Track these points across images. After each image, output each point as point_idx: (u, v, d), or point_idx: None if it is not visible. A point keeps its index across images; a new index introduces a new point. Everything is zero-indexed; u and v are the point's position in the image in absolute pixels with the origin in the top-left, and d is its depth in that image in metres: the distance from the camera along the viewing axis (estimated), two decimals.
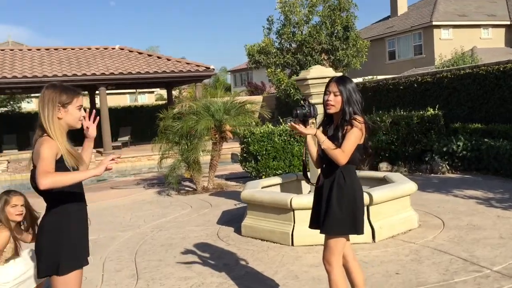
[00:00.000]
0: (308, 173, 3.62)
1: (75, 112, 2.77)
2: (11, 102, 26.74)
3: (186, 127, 9.19)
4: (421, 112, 11.60)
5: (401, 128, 11.18)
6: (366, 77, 22.49)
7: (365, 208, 5.56)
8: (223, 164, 13.48)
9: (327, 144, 3.10)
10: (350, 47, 18.64)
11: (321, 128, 3.25)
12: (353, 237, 5.46)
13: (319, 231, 3.30)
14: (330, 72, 6.33)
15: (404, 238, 5.70)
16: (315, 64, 18.40)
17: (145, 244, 6.24)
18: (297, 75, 6.81)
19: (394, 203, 5.97)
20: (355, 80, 20.59)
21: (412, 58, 31.81)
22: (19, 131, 23.37)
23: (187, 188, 10.36)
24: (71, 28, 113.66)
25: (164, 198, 9.62)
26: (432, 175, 10.28)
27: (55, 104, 2.69)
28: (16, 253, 3.79)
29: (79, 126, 2.85)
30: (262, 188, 6.61)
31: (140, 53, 21.35)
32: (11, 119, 24.82)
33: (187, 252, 5.72)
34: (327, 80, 6.18)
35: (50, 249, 2.63)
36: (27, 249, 3.94)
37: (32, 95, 29.13)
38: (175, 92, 26.89)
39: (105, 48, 21.57)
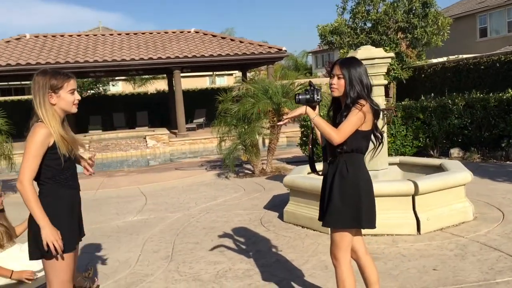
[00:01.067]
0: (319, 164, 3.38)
1: (67, 97, 2.78)
2: (98, 85, 28.26)
3: (243, 110, 9.16)
4: (500, 94, 10.70)
5: (476, 111, 10.39)
6: (451, 57, 21.19)
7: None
8: (289, 148, 13.36)
9: (318, 120, 2.89)
10: (430, 24, 17.56)
11: (317, 109, 3.00)
12: (397, 229, 5.27)
13: None
14: (379, 53, 5.97)
15: (453, 231, 5.29)
16: (390, 44, 17.64)
17: (189, 226, 6.32)
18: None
19: (445, 193, 5.54)
20: (436, 60, 19.47)
21: (506, 35, 29.41)
22: (104, 113, 24.71)
23: (246, 171, 10.38)
24: (162, 13, 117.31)
25: (222, 180, 9.70)
26: (508, 162, 9.50)
27: (46, 90, 2.70)
28: (9, 239, 3.83)
29: (74, 111, 2.85)
30: (308, 174, 6.43)
31: (214, 36, 21.60)
32: (96, 101, 26.25)
33: (225, 236, 5.72)
34: (375, 61, 5.95)
35: (39, 233, 2.68)
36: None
37: (116, 78, 30.56)
38: (250, 74, 26.94)
39: (181, 32, 22.05)
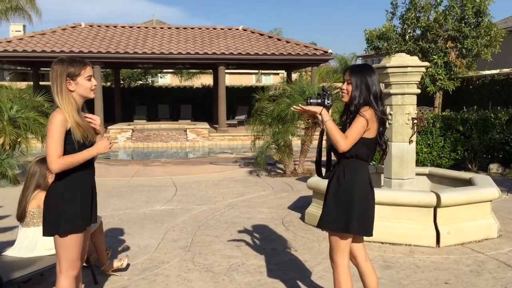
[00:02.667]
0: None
1: (85, 83, 2.93)
2: (146, 77, 28.99)
3: (278, 110, 9.23)
4: None
5: None
6: (505, 69, 20.46)
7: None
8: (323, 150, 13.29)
9: (329, 124, 2.92)
10: (482, 35, 17.01)
11: (330, 112, 3.05)
12: (416, 240, 5.22)
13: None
14: (413, 61, 5.90)
15: (474, 247, 5.19)
16: (439, 53, 17.22)
17: (211, 220, 6.46)
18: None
19: (469, 208, 5.44)
20: (489, 72, 18.76)
21: None
22: (150, 104, 25.35)
23: (278, 171, 10.46)
24: (216, 10, 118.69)
25: (252, 178, 9.82)
26: None
27: (64, 77, 2.86)
28: None
29: (92, 96, 2.99)
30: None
31: (261, 34, 21.74)
32: (144, 92, 26.95)
33: (244, 231, 5.82)
34: (408, 69, 5.90)
35: (51, 212, 2.86)
36: None
37: (165, 70, 31.22)
38: (295, 75, 26.96)
39: (229, 29, 22.32)
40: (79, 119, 2.88)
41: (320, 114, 2.96)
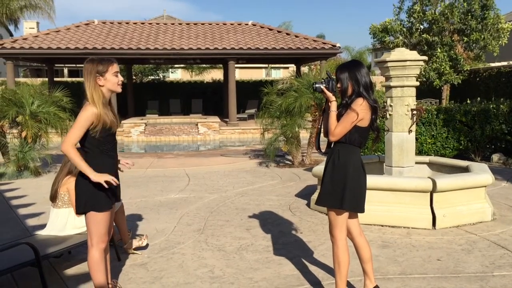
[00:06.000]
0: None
1: (112, 78, 3.36)
2: (158, 72, 29.47)
3: (286, 103, 9.61)
4: None
5: None
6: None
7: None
8: None
9: (332, 114, 3.39)
10: (488, 28, 17.24)
11: (335, 104, 3.48)
12: (413, 222, 5.61)
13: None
14: (411, 55, 6.23)
15: (468, 229, 5.56)
16: (444, 46, 17.47)
17: (223, 206, 6.89)
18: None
19: (464, 192, 5.81)
20: (495, 64, 18.94)
21: None
22: (162, 98, 25.85)
23: (286, 162, 10.85)
24: (227, 5, 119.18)
25: (261, 168, 10.24)
26: None
27: (94, 75, 3.30)
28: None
29: (119, 90, 3.42)
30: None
31: (270, 29, 22.07)
32: (156, 87, 27.44)
33: (254, 216, 6.24)
34: (407, 63, 6.26)
35: (81, 191, 3.31)
36: None
37: (176, 65, 31.66)
38: (304, 69, 27.28)
39: (238, 24, 22.68)
40: (104, 111, 3.30)
41: (331, 102, 3.42)
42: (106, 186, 3.23)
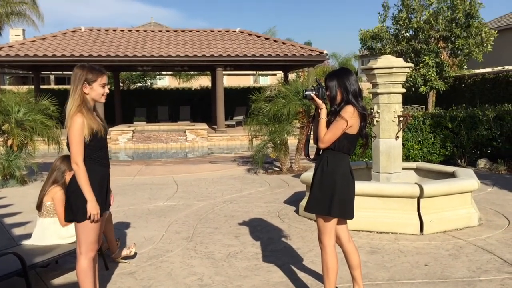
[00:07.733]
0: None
1: (98, 89, 3.34)
2: (145, 79, 29.39)
3: (274, 110, 9.65)
4: None
5: (506, 123, 10.51)
6: (496, 68, 20.91)
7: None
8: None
9: (322, 121, 3.40)
10: (473, 36, 17.48)
11: (325, 112, 3.49)
12: (401, 228, 5.64)
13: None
14: (398, 62, 6.30)
15: (455, 234, 5.61)
16: (430, 53, 17.66)
17: (211, 214, 6.88)
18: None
19: (451, 198, 5.87)
20: (483, 70, 19.18)
21: None
22: (149, 105, 25.77)
23: (275, 168, 10.87)
24: (212, 11, 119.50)
25: (250, 175, 10.24)
26: None
27: (82, 81, 3.28)
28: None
29: (102, 101, 3.41)
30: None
31: (258, 36, 22.16)
32: (143, 94, 27.37)
33: (243, 224, 6.24)
34: (393, 70, 6.32)
35: (71, 199, 3.28)
36: None
37: (163, 72, 31.61)
38: (292, 75, 27.39)
39: (226, 31, 22.74)
40: (89, 115, 3.27)
41: (321, 109, 3.44)
42: (89, 219, 3.26)
